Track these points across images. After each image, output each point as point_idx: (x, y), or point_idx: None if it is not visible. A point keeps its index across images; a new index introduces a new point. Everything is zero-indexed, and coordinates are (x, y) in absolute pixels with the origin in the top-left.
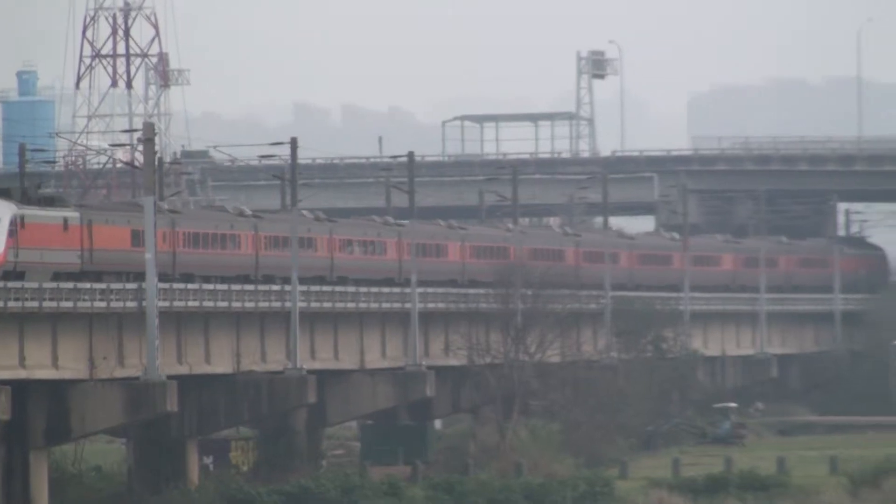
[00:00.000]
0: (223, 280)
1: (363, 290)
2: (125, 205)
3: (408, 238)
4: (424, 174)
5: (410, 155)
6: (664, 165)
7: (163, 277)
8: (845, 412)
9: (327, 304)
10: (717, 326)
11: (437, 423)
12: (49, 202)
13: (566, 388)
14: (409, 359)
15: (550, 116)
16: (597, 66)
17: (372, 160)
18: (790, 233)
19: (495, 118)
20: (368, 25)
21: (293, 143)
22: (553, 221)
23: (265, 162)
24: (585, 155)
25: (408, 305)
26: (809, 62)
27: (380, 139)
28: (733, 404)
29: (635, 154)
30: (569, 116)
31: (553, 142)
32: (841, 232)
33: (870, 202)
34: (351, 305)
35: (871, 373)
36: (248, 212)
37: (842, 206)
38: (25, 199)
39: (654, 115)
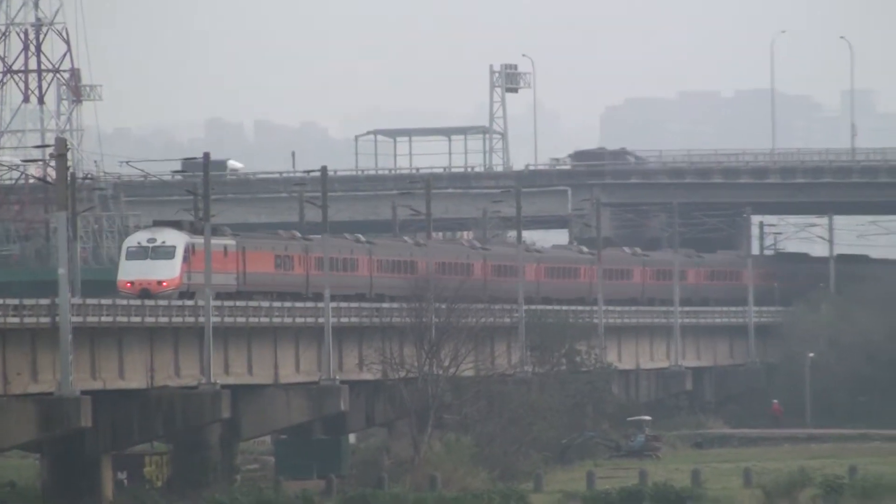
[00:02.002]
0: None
1: (277, 304)
2: (269, 233)
3: (316, 252)
4: (338, 189)
5: (323, 169)
6: (577, 179)
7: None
8: (760, 425)
9: (241, 319)
10: (631, 340)
11: (352, 438)
12: (211, 232)
13: (480, 402)
14: (323, 373)
15: (463, 130)
16: (510, 79)
17: (285, 175)
18: (704, 246)
19: (408, 132)
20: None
21: (205, 157)
22: (466, 235)
23: (178, 177)
24: (499, 169)
25: (321, 320)
26: (722, 75)
27: (293, 154)
28: (647, 417)
29: (549, 168)
30: (482, 130)
31: (466, 156)
32: (755, 245)
33: (783, 215)
34: (265, 320)
35: (786, 385)
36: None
37: (756, 219)
38: (193, 228)
39: (567, 128)
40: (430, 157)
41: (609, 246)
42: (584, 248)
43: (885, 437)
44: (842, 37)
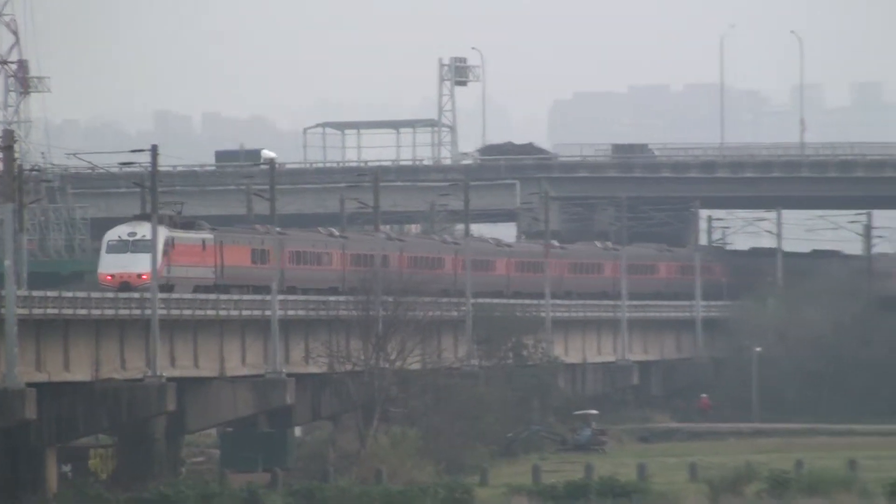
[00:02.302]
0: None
1: (223, 297)
2: (246, 227)
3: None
4: (286, 181)
5: (271, 162)
6: (526, 172)
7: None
8: (705, 419)
9: (187, 312)
10: (578, 333)
11: (297, 431)
12: (190, 226)
13: (427, 396)
14: (269, 366)
15: (412, 123)
16: (459, 73)
17: (233, 167)
18: (652, 240)
19: (357, 125)
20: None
21: (154, 150)
22: (414, 229)
23: (125, 169)
24: (447, 162)
25: (268, 313)
26: (671, 69)
27: (241, 146)
28: (594, 411)
29: (497, 161)
30: (430, 123)
31: (415, 149)
32: (703, 239)
33: (732, 209)
34: (211, 313)
35: (733, 380)
36: None
37: (704, 213)
38: (172, 223)
39: (515, 121)
40: (378, 150)
41: (563, 240)
42: (556, 243)
43: (831, 431)
44: (791, 31)
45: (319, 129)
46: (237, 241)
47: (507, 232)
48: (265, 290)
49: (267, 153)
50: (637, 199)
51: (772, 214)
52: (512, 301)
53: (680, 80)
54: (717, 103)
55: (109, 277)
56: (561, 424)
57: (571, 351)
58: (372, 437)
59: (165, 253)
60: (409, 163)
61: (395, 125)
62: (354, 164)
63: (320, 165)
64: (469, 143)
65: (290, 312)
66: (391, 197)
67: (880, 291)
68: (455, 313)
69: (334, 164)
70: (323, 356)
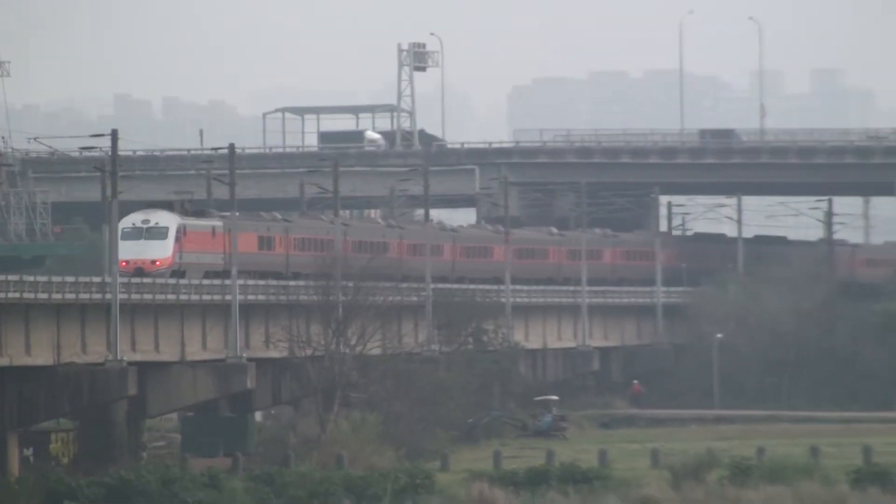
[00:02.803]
0: None
1: (183, 282)
2: (253, 215)
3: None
4: (245, 166)
5: (231, 147)
6: (485, 158)
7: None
8: (667, 405)
9: (148, 296)
10: (538, 319)
11: (258, 416)
12: (200, 213)
13: (387, 381)
14: (229, 351)
15: (371, 109)
16: (418, 58)
17: (193, 152)
18: (613, 226)
19: (316, 110)
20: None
21: (114, 134)
22: (374, 214)
23: (86, 154)
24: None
25: (228, 297)
26: (630, 55)
27: (200, 131)
28: (555, 397)
29: (456, 146)
30: (390, 109)
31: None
32: (663, 225)
33: (692, 195)
34: (171, 297)
35: (694, 366)
36: None
37: (664, 199)
38: (183, 210)
39: (475, 107)
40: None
41: (520, 226)
42: (500, 228)
43: (792, 418)
44: (750, 18)
45: (279, 114)
46: (245, 229)
47: (467, 217)
48: (272, 275)
49: (371, 135)
50: (597, 184)
51: (732, 200)
52: (472, 286)
53: (639, 66)
54: (677, 89)
55: (124, 263)
56: (522, 410)
57: (532, 336)
58: (332, 422)
59: (178, 240)
60: (369, 148)
61: (355, 110)
62: (314, 150)
63: (280, 150)
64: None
65: (251, 297)
66: (351, 182)
67: (842, 279)
68: (415, 298)
69: (294, 149)
70: (283, 341)
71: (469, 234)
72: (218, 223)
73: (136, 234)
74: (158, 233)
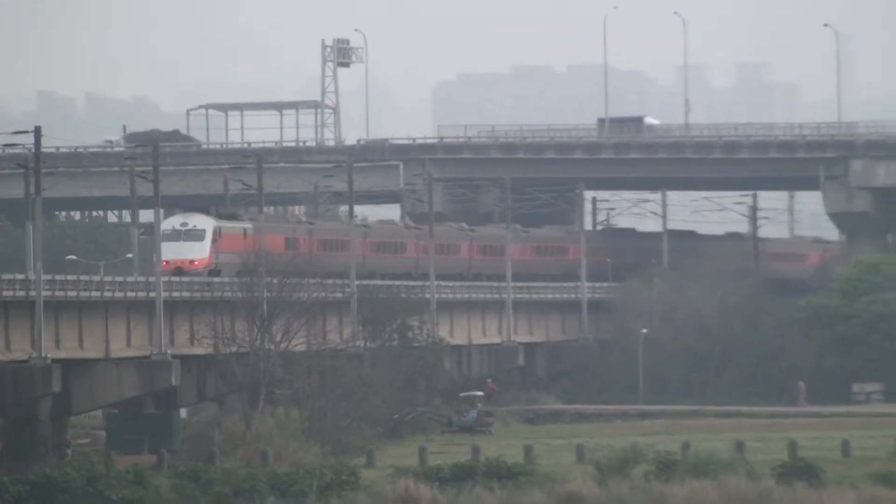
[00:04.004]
0: None
1: (108, 278)
2: (279, 217)
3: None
4: (169, 163)
5: (155, 143)
6: (410, 154)
7: None
8: (593, 400)
9: (72, 293)
10: (463, 315)
11: (183, 412)
12: (233, 216)
13: (312, 377)
14: (154, 348)
15: (295, 105)
16: (342, 54)
17: (116, 149)
18: (538, 221)
19: (240, 107)
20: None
21: (37, 131)
22: (298, 210)
23: (9, 150)
24: (331, 143)
25: (153, 294)
26: (555, 50)
27: (124, 128)
28: (480, 393)
29: (381, 142)
30: (314, 105)
31: (298, 130)
32: (588, 220)
33: (616, 190)
34: (96, 294)
35: (619, 361)
36: None
37: (589, 195)
38: (218, 214)
39: (399, 103)
40: (261, 131)
41: (442, 221)
42: (410, 223)
43: (718, 413)
44: (675, 12)
45: (203, 111)
46: (273, 231)
47: (391, 213)
48: (294, 273)
49: (650, 120)
50: (521, 180)
51: (657, 195)
52: (396, 283)
53: (564, 61)
54: (602, 84)
55: (165, 263)
56: (447, 406)
57: (457, 332)
58: (257, 418)
59: (214, 241)
60: (293, 144)
61: (279, 106)
62: (238, 146)
63: (204, 147)
64: (354, 125)
65: (175, 294)
66: (275, 178)
67: (776, 273)
68: (340, 295)
69: (218, 146)
70: (208, 338)
71: (380, 230)
72: (249, 225)
73: (176, 236)
74: (196, 235)
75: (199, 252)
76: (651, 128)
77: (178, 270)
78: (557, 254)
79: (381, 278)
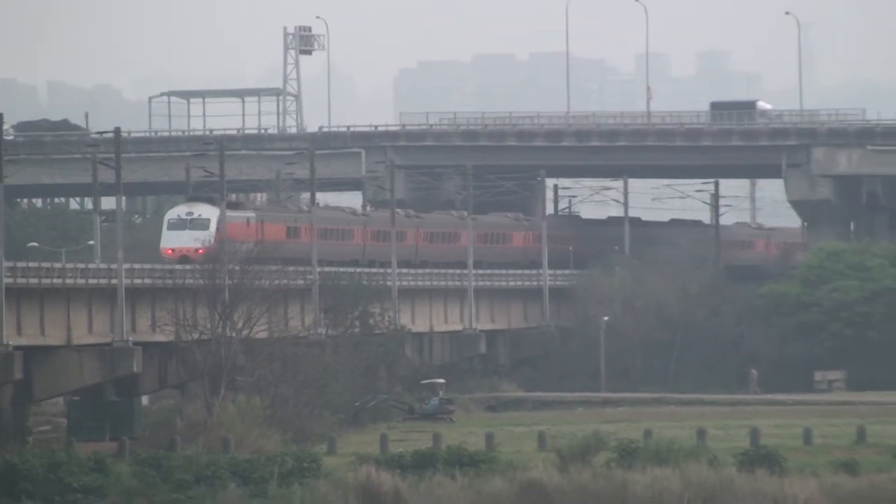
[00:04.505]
0: None
1: (69, 265)
2: (281, 207)
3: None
4: (131, 150)
5: (117, 131)
6: (371, 141)
7: None
8: (554, 388)
9: (34, 280)
10: (425, 302)
11: (145, 399)
12: (237, 206)
13: (274, 364)
14: (115, 335)
15: (257, 92)
16: (304, 41)
17: (78, 136)
18: (499, 209)
19: (202, 94)
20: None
21: None
22: (260, 198)
23: None
24: (292, 131)
25: (114, 281)
26: (516, 38)
27: (86, 115)
28: (441, 380)
29: (342, 130)
30: (276, 92)
31: (260, 118)
32: (550, 207)
33: (578, 177)
34: (57, 281)
35: (581, 349)
36: None
37: (551, 182)
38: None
39: (361, 91)
40: (223, 118)
41: (403, 208)
42: (356, 210)
43: (679, 400)
44: (637, 0)
45: (165, 98)
46: (275, 220)
47: (353, 200)
48: (298, 261)
49: (762, 105)
50: (483, 167)
51: (618, 183)
52: (360, 269)
53: (525, 48)
54: (563, 72)
55: (170, 251)
56: (408, 393)
57: (418, 320)
58: (219, 405)
59: (218, 230)
60: (255, 131)
61: (241, 94)
62: (200, 133)
63: (165, 134)
64: (316, 113)
65: (137, 281)
66: (237, 166)
67: (726, 261)
68: (301, 282)
69: (179, 133)
70: (170, 325)
71: (327, 217)
72: (252, 215)
73: (181, 224)
74: (201, 224)
75: (202, 240)
76: (763, 112)
77: (184, 258)
78: (502, 241)
79: (329, 265)
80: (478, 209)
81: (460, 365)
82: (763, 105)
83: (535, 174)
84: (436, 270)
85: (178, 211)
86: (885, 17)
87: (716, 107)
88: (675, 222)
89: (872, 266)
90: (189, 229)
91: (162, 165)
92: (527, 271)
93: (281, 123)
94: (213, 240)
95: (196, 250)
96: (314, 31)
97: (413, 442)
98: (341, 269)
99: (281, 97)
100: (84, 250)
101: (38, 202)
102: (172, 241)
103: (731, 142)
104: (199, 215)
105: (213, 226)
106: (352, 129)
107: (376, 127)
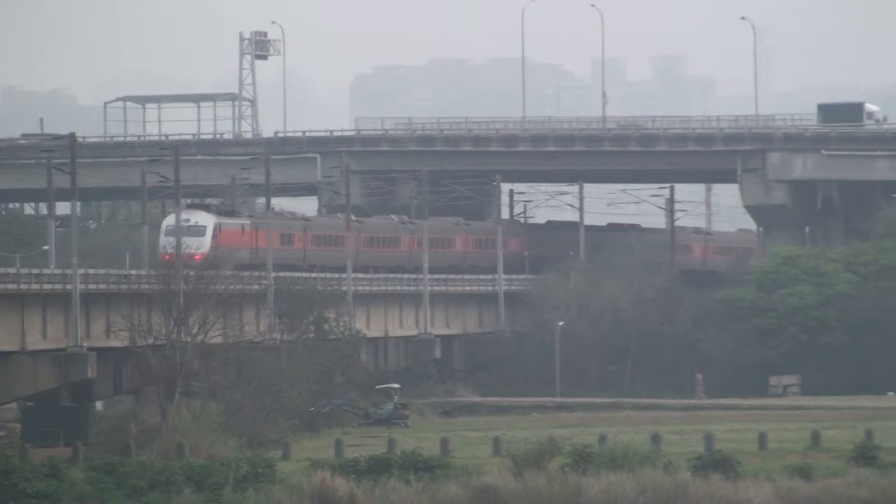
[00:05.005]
0: None
1: (24, 270)
2: (277, 214)
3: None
4: (86, 155)
5: (72, 136)
6: (327, 146)
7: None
8: (509, 393)
9: None
10: (380, 307)
11: (99, 405)
12: (232, 213)
13: (228, 369)
14: (70, 340)
15: (213, 97)
16: (259, 46)
17: (33, 141)
18: (455, 214)
19: (157, 99)
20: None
21: None
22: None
23: None
24: (248, 136)
25: (69, 287)
26: (472, 43)
27: (41, 120)
28: (396, 385)
29: (298, 135)
30: (231, 97)
31: (216, 123)
32: (505, 213)
33: (533, 182)
34: (11, 286)
35: (536, 354)
36: None
37: (506, 187)
38: (218, 210)
39: (316, 95)
40: (179, 123)
41: (361, 213)
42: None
43: (635, 405)
44: (592, 5)
45: (120, 103)
46: (269, 227)
47: (309, 206)
48: (290, 267)
49: (870, 107)
50: (439, 172)
51: (574, 188)
52: (314, 275)
53: (481, 53)
54: (519, 77)
55: (167, 256)
56: (363, 398)
57: (373, 325)
58: (173, 411)
59: (214, 236)
60: (210, 137)
61: (196, 99)
62: (155, 138)
63: (121, 139)
64: (271, 118)
65: (92, 286)
66: (192, 171)
67: (681, 265)
68: (257, 287)
69: (135, 138)
70: (124, 330)
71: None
72: (246, 221)
73: (179, 231)
74: (198, 230)
75: (199, 246)
76: (871, 114)
77: None
78: (443, 246)
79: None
80: (433, 214)
81: (415, 370)
82: (870, 107)
83: (490, 179)
84: (390, 276)
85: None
86: (841, 22)
87: (823, 109)
88: (623, 226)
89: (827, 271)
90: (186, 235)
91: (117, 171)
92: (482, 276)
93: (237, 128)
94: (209, 246)
95: (192, 256)
96: (270, 37)
97: (368, 447)
98: (296, 275)
99: (237, 102)
100: (38, 255)
101: None
102: (170, 246)
103: (687, 147)
104: (196, 222)
105: (209, 232)
106: (307, 134)
107: (332, 132)
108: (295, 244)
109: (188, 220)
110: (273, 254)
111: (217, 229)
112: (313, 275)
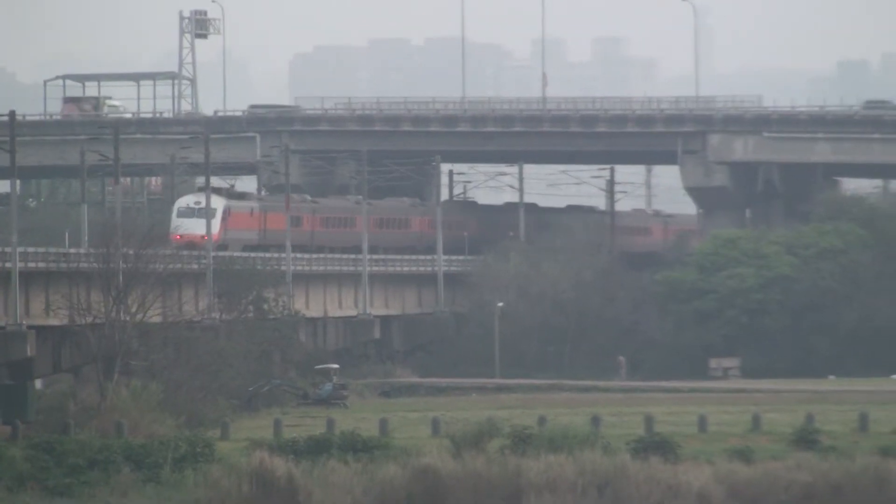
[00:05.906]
0: None
1: None
2: (282, 197)
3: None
4: (26, 133)
5: (12, 114)
6: (266, 125)
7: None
8: (449, 374)
9: None
10: (319, 287)
11: (38, 383)
12: (240, 196)
13: (168, 349)
14: (9, 318)
15: (153, 76)
16: (199, 25)
17: None
18: (394, 194)
19: (97, 77)
20: None
21: None
22: (154, 182)
23: None
24: (188, 112)
25: (8, 265)
26: (412, 22)
27: None
28: (335, 365)
29: (238, 114)
30: (171, 76)
31: (155, 101)
32: (444, 193)
33: (473, 163)
34: None
35: (475, 335)
36: None
37: (446, 167)
38: (228, 194)
39: (256, 75)
40: (119, 102)
41: (298, 193)
42: (308, 197)
43: (574, 387)
44: None
45: (60, 82)
46: (277, 209)
47: (248, 185)
48: (298, 248)
49: None
50: (378, 152)
51: (514, 169)
52: (253, 255)
53: (420, 33)
54: (459, 57)
55: (178, 237)
56: (302, 379)
57: (313, 305)
58: (112, 390)
59: (224, 219)
60: (150, 115)
61: (136, 77)
62: (94, 117)
63: (60, 118)
64: (211, 97)
65: (31, 264)
66: (132, 150)
67: (623, 247)
68: (196, 266)
69: (74, 117)
70: (64, 308)
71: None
72: (255, 204)
73: (190, 213)
74: (209, 213)
75: (210, 228)
76: None
77: (190, 244)
78: (399, 226)
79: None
80: (373, 194)
81: (354, 350)
82: None
83: (430, 159)
84: (330, 256)
85: (188, 200)
86: (782, 3)
87: (869, 106)
88: (570, 208)
89: (768, 253)
90: (197, 217)
91: (56, 149)
92: (421, 256)
93: (176, 107)
94: (219, 228)
95: (202, 237)
96: (210, 15)
97: (307, 427)
98: (235, 254)
99: (176, 81)
100: None
101: None
102: (181, 228)
103: (627, 128)
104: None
105: (219, 215)
106: (247, 112)
107: (273, 107)
108: (303, 226)
109: (199, 203)
110: (278, 236)
111: (227, 212)
112: (252, 255)
